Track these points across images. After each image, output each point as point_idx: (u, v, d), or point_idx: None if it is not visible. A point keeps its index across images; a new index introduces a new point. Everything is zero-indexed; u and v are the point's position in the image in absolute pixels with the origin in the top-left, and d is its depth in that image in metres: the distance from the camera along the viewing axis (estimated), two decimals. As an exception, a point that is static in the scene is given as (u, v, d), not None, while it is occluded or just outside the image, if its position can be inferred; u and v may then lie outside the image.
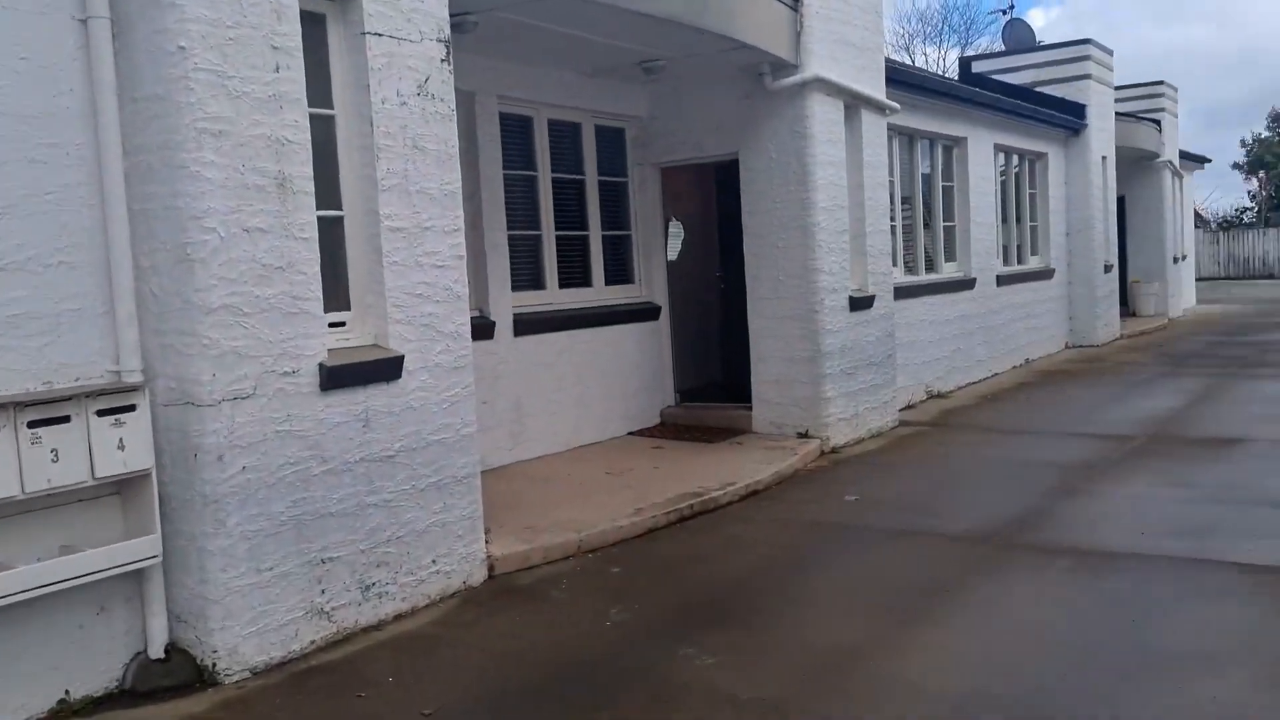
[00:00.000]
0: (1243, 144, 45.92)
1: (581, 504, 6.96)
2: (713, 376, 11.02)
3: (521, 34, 7.31)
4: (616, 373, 9.43)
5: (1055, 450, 8.75)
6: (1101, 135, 16.84)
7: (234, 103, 4.39)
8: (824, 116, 9.03)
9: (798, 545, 6.25)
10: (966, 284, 12.97)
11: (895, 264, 11.12)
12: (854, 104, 9.54)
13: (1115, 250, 17.59)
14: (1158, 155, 20.28)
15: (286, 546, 4.60)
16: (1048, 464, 8.14)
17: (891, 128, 10.86)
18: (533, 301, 8.70)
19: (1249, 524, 6.04)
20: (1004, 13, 19.92)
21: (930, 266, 12.63)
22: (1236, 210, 44.94)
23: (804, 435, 9.10)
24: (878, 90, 9.87)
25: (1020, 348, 14.62)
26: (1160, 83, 20.83)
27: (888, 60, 10.32)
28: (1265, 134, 45.22)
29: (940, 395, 12.02)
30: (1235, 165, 45.29)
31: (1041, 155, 15.76)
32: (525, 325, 8.43)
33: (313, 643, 4.71)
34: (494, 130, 8.18)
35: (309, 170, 4.74)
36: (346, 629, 4.88)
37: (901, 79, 10.81)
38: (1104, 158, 16.93)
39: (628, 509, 6.76)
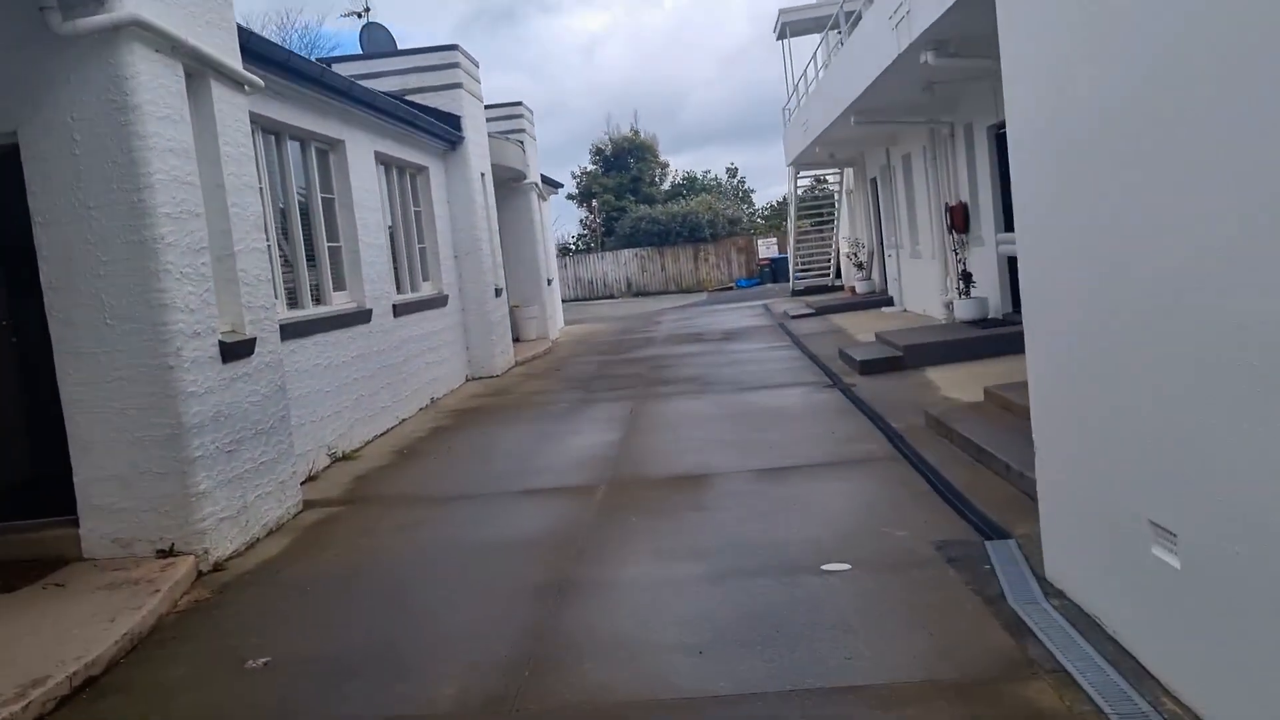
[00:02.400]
0: (574, 176, 50.20)
1: None
2: (11, 477, 7.41)
3: None
4: None
5: (516, 520, 6.86)
6: (478, 150, 15.74)
7: None
8: (157, 82, 6.14)
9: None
10: (362, 316, 10.71)
11: (276, 295, 8.48)
12: (201, 71, 6.75)
13: (502, 273, 16.64)
14: (525, 176, 19.99)
15: None
16: (517, 545, 6.19)
17: (255, 120, 8.23)
18: None
19: (802, 610, 4.57)
20: (359, 15, 18.12)
21: (318, 297, 10.14)
22: (574, 237, 48.91)
23: (169, 553, 6.10)
24: (232, 57, 7.18)
25: (425, 386, 12.75)
26: (519, 103, 20.63)
27: (242, 27, 7.64)
28: (591, 167, 49.92)
29: (347, 456, 9.60)
30: (569, 196, 49.24)
31: (423, 169, 14.11)
32: None
33: None
34: None
35: None
36: None
37: (262, 53, 8.20)
38: (482, 174, 15.85)
39: None
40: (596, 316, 29.02)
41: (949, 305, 15.28)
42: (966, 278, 13.40)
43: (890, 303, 20.41)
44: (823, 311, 20.72)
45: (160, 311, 6.01)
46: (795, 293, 27.49)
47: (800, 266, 27.85)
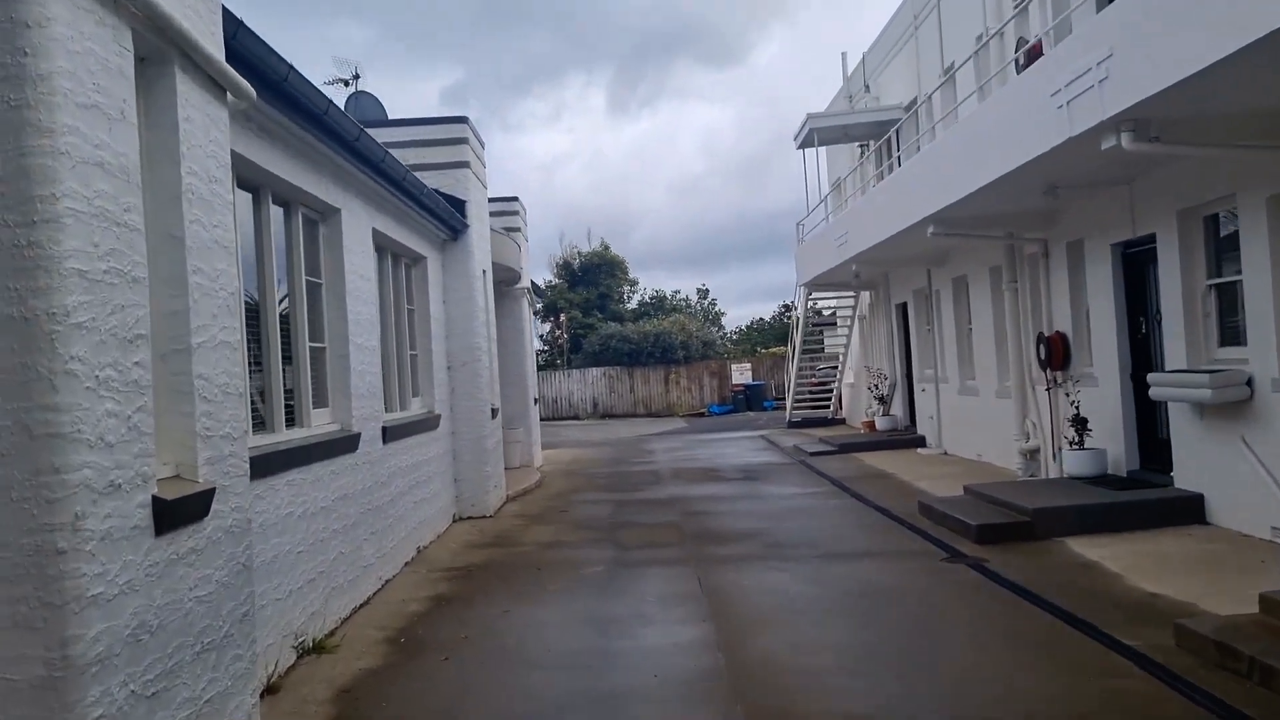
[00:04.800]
0: (538, 290, 47.87)
1: None
2: None
3: None
4: None
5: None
6: (482, 243, 13.23)
7: None
8: (84, 45, 3.52)
9: None
10: (348, 443, 7.93)
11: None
12: (162, 52, 4.17)
13: (499, 389, 13.95)
14: (519, 279, 17.52)
15: None
16: None
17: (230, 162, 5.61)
18: None
19: None
20: (346, 83, 15.83)
21: (292, 417, 7.36)
22: (536, 353, 46.24)
23: None
24: (212, 42, 4.60)
25: (412, 532, 9.89)
26: (515, 198, 18.30)
27: (230, 12, 5.07)
28: (556, 281, 47.72)
29: (320, 647, 6.69)
30: (535, 312, 46.79)
31: (420, 260, 11.52)
32: None
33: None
34: None
35: None
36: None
37: (253, 58, 5.58)
38: (484, 271, 13.31)
39: None
40: (572, 441, 26.28)
41: (1030, 454, 12.91)
42: (1080, 424, 11.02)
43: (923, 443, 18.04)
44: (847, 449, 18.23)
45: (48, 448, 3.26)
46: (792, 424, 25.05)
47: (798, 396, 25.49)
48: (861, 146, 20.96)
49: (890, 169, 16.35)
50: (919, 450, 17.69)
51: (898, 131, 17.64)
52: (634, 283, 49.64)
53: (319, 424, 7.71)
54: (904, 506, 11.59)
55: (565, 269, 47.68)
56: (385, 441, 9.06)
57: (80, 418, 3.34)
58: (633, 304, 48.59)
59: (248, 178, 6.56)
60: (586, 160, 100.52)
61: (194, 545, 4.14)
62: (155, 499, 3.80)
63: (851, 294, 22.84)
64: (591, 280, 46.91)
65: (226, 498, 4.47)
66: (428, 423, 11.01)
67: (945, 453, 16.94)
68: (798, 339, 24.30)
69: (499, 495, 13.19)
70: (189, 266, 4.26)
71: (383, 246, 10.01)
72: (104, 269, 3.53)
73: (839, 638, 6.55)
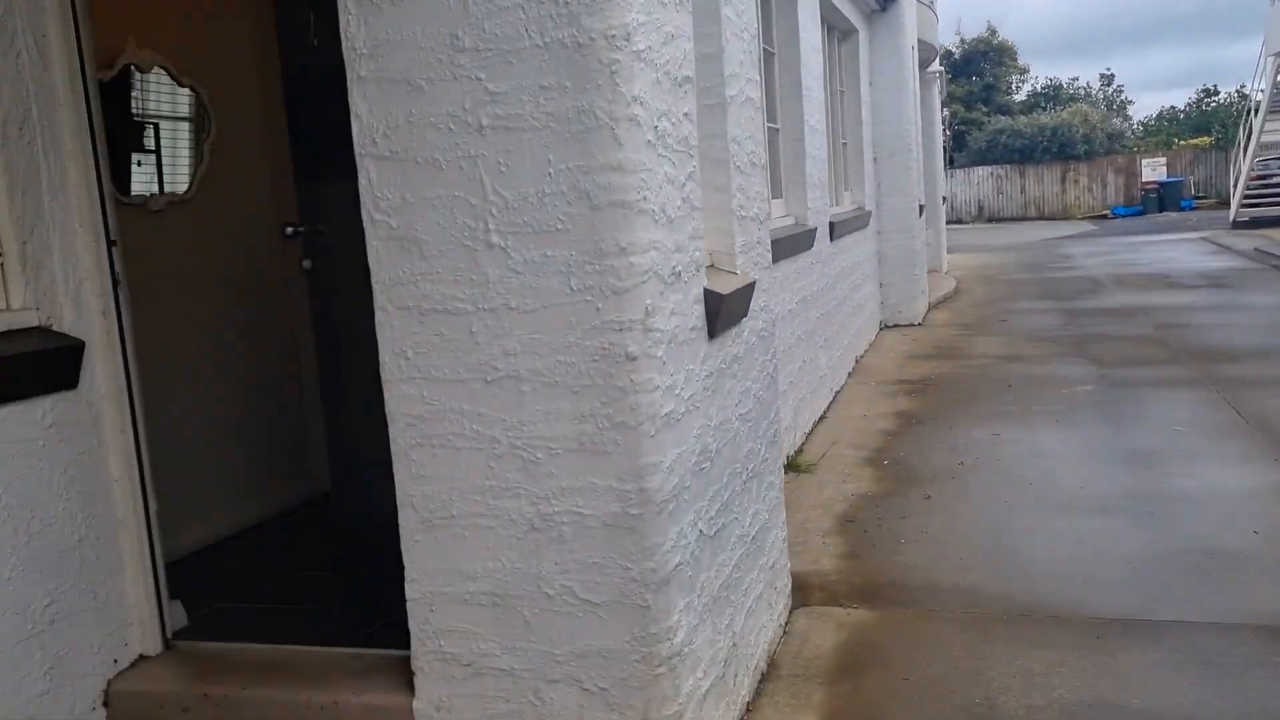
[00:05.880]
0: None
1: None
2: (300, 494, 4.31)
3: None
4: None
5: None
6: (910, 14, 11.54)
7: None
8: None
9: None
10: (805, 240, 6.98)
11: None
12: None
13: (923, 185, 12.49)
14: (934, 58, 15.56)
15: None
16: None
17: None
18: None
19: None
20: None
21: (754, 207, 6.50)
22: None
23: (601, 782, 2.63)
24: None
25: (851, 341, 8.99)
26: (926, -31, 16.06)
27: None
28: (934, 73, 44.10)
29: (796, 465, 5.98)
30: (943, 100, 43.69)
31: (851, 34, 10.14)
32: None
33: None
34: None
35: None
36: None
37: None
38: (912, 47, 11.67)
39: None
40: (971, 245, 24.22)
41: None
42: None
43: None
44: (1337, 253, 15.07)
45: (612, 220, 2.43)
46: (1238, 224, 21.43)
47: (1250, 192, 21.59)
48: None
49: None
50: None
51: None
52: (1024, 71, 44.77)
53: (776, 216, 6.80)
54: None
55: (944, 58, 43.66)
56: (832, 239, 8.06)
57: (645, 181, 2.49)
58: (1021, 96, 43.95)
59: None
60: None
61: (735, 352, 3.33)
62: (708, 293, 2.97)
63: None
64: (975, 70, 42.76)
65: (758, 295, 3.62)
66: (860, 219, 9.87)
67: None
68: (1255, 123, 20.35)
69: (924, 302, 11.96)
70: (725, 11, 3.28)
71: (822, 15, 8.72)
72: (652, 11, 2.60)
73: None
